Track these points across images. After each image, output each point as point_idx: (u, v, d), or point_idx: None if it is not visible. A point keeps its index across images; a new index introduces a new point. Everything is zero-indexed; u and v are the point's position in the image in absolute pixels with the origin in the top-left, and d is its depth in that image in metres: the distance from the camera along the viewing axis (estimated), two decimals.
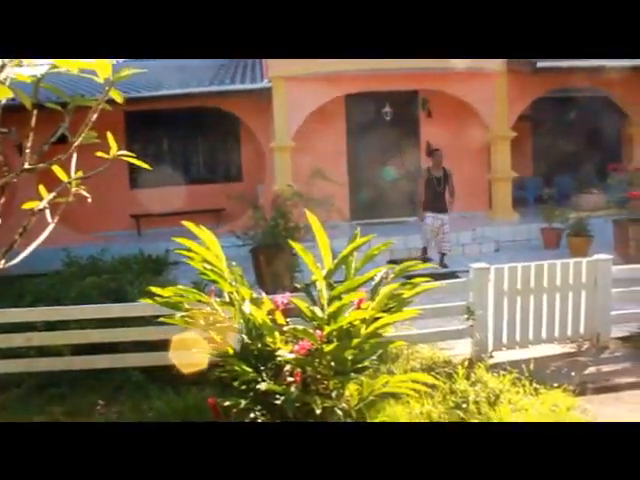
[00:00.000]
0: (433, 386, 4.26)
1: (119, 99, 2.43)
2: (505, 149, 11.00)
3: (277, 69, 9.98)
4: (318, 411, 3.03)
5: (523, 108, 11.19)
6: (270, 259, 6.94)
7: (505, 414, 4.01)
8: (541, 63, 10.02)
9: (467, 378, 4.48)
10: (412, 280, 3.60)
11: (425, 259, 8.63)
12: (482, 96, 10.73)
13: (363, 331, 3.25)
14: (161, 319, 3.65)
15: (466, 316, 5.14)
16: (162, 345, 4.72)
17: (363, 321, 3.27)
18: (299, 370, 3.31)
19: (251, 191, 10.92)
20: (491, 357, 5.20)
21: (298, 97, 10.07)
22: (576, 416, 4.05)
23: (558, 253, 8.73)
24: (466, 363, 4.78)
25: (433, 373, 4.53)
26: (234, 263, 3.73)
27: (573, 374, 4.87)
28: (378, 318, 3.27)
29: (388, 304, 3.45)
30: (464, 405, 4.12)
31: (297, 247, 3.75)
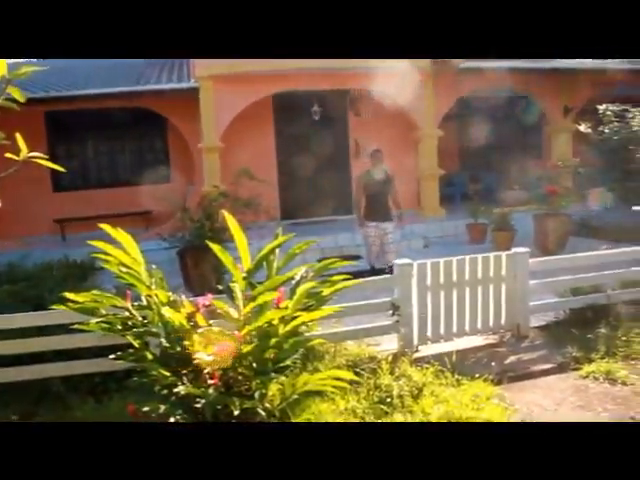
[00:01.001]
0: (358, 382, 4.33)
1: (20, 98, 2.33)
2: (432, 147, 11.26)
3: (203, 68, 9.85)
4: (236, 412, 3.01)
5: (449, 107, 11.47)
6: (196, 261, 6.85)
7: (427, 406, 4.10)
8: (465, 64, 10.29)
9: (392, 373, 4.55)
10: (332, 278, 3.64)
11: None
12: (409, 95, 10.91)
13: (282, 330, 3.25)
14: (76, 326, 3.54)
15: (391, 312, 5.22)
16: (84, 353, 4.60)
17: (282, 320, 3.26)
18: (218, 372, 3.28)
19: (180, 193, 10.75)
20: (417, 351, 5.30)
21: (225, 97, 9.98)
22: (495, 404, 4.18)
23: (483, 247, 8.97)
24: (391, 358, 4.84)
25: (358, 369, 4.60)
26: (154, 266, 3.66)
27: (494, 364, 5.02)
28: (297, 317, 3.27)
29: (308, 302, 3.46)
30: (388, 400, 4.18)
31: (215, 248, 3.69)
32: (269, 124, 11.42)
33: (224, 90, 9.96)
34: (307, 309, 3.37)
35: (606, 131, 9.23)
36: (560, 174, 9.56)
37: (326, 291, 3.46)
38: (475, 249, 8.11)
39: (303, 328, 5.11)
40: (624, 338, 5.30)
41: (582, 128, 10.01)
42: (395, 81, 10.42)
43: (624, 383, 4.59)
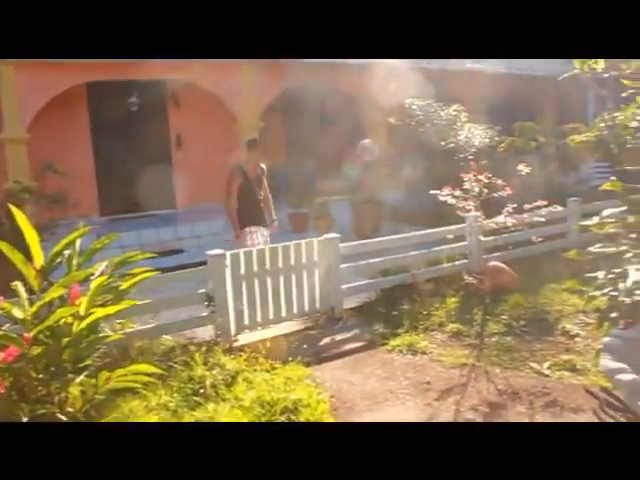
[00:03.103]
0: (170, 376, 4.27)
1: None
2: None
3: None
4: (25, 419, 2.83)
5: (272, 99, 11.62)
6: None
7: (241, 392, 4.15)
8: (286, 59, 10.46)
9: (205, 364, 4.54)
10: (133, 271, 3.54)
11: None
12: (230, 87, 10.90)
13: (76, 328, 3.10)
14: None
15: (206, 303, 5.20)
16: None
17: (76, 317, 3.11)
18: (7, 379, 3.05)
19: None
20: (235, 340, 5.34)
21: (30, 85, 9.23)
22: (306, 385, 4.33)
23: (306, 236, 9.21)
24: (205, 349, 4.82)
25: (171, 363, 4.53)
26: None
27: (307, 347, 5.22)
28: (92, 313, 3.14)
29: (105, 297, 3.34)
30: (202, 390, 4.17)
31: (2, 246, 3.43)
32: (84, 115, 10.80)
33: (28, 77, 9.19)
34: (105, 305, 3.25)
35: (412, 123, 9.94)
36: (374, 162, 10.11)
37: (124, 285, 3.36)
38: (298, 238, 8.29)
39: (118, 327, 4.99)
40: (425, 312, 5.77)
41: (393, 120, 10.67)
42: (215, 73, 10.36)
43: (424, 353, 5.00)
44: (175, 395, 4.11)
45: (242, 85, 10.96)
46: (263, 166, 6.65)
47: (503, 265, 6.51)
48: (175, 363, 4.48)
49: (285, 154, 13.92)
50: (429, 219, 8.45)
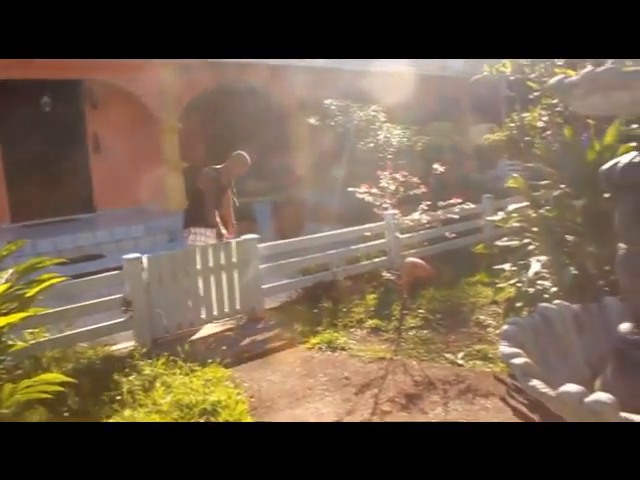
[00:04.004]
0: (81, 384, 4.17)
1: None
2: (173, 139, 11.19)
3: None
4: None
5: (191, 99, 11.47)
6: None
7: (159, 397, 4.09)
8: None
9: (123, 370, 4.46)
10: (41, 277, 3.45)
11: None
12: (149, 87, 10.69)
13: None
14: None
15: (123, 308, 5.11)
16: None
17: None
18: None
19: None
20: (156, 344, 5.26)
21: None
22: (225, 386, 4.32)
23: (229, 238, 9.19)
24: (125, 354, 4.74)
25: (88, 371, 4.43)
26: None
27: (226, 348, 5.20)
28: None
29: (10, 306, 3.23)
30: (118, 397, 4.09)
31: None
32: None
33: None
34: (8, 313, 3.15)
35: (332, 124, 10.07)
36: (295, 163, 10.19)
37: (30, 292, 3.26)
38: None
39: (29, 337, 4.82)
40: (345, 309, 5.87)
41: (313, 121, 10.77)
42: (135, 73, 10.14)
43: (343, 349, 5.09)
44: (89, 403, 4.01)
45: (162, 85, 10.77)
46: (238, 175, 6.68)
47: (420, 261, 6.71)
48: (91, 370, 4.38)
49: (204, 155, 13.78)
50: (350, 218, 8.58)
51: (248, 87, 12.39)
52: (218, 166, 6.49)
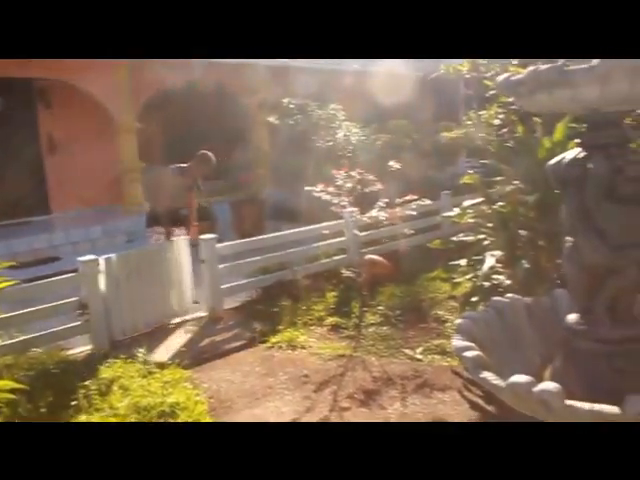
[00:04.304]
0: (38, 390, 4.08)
1: None
2: (131, 139, 11.00)
3: None
4: None
5: (147, 98, 11.30)
6: None
7: (116, 400, 4.04)
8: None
9: (79, 374, 4.39)
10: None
11: None
12: (105, 86, 10.49)
13: None
14: None
15: (79, 311, 5.01)
16: None
17: None
18: None
19: None
20: (114, 347, 5.18)
21: None
22: (184, 387, 4.29)
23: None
24: (79, 359, 4.66)
25: (42, 376, 4.33)
26: None
27: (187, 349, 5.16)
28: None
29: None
30: (73, 403, 4.02)
31: None
32: None
33: None
34: None
35: (291, 122, 10.06)
36: (255, 162, 10.15)
37: None
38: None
39: None
40: (305, 308, 5.88)
41: (272, 119, 10.74)
42: (89, 71, 9.93)
43: (303, 347, 5.10)
44: (43, 410, 3.93)
45: (118, 84, 10.59)
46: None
47: (380, 258, 6.76)
48: (45, 376, 4.28)
49: (164, 155, 13.62)
50: (310, 216, 8.59)
51: (208, 86, 12.27)
52: (183, 165, 6.44)
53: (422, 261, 7.11)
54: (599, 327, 2.54)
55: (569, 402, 2.05)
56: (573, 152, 2.53)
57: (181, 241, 5.83)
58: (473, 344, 2.59)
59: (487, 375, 2.35)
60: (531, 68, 2.33)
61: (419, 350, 4.92)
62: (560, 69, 2.20)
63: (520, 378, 2.17)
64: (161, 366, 4.65)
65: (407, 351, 4.92)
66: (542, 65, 2.28)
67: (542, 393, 2.09)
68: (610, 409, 2.00)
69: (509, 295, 3.31)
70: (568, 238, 2.61)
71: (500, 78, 2.55)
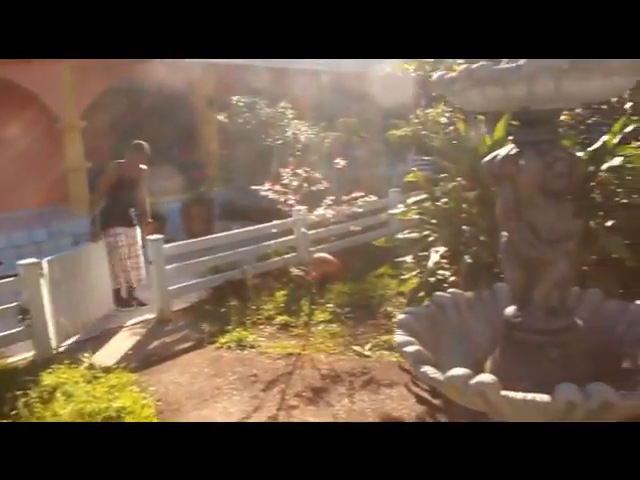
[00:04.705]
0: None
1: None
2: (76, 139, 10.74)
3: None
4: None
5: (94, 96, 11.04)
6: None
7: (59, 407, 3.94)
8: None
9: (20, 382, 4.26)
10: None
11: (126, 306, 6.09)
12: (47, 84, 10.20)
13: None
14: None
15: (20, 316, 4.87)
16: None
17: None
18: None
19: None
20: (59, 352, 5.05)
21: None
22: (131, 391, 4.21)
23: None
24: (20, 366, 4.52)
25: None
26: None
27: (134, 352, 5.08)
28: None
29: None
30: (13, 412, 3.89)
31: None
32: None
33: None
34: None
35: (240, 121, 10.00)
36: (204, 161, 10.05)
37: None
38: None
39: None
40: (254, 307, 5.86)
41: (221, 118, 10.65)
42: (30, 69, 9.64)
43: (252, 347, 5.09)
44: None
45: (62, 82, 10.31)
46: (144, 167, 6.37)
47: (328, 256, 6.79)
48: None
49: (111, 154, 13.34)
50: (260, 215, 8.57)
51: (157, 84, 12.07)
52: (121, 160, 6.30)
53: (370, 258, 7.17)
54: (534, 319, 2.61)
55: (504, 393, 2.11)
56: (506, 149, 2.59)
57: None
58: (414, 339, 2.63)
59: (427, 369, 2.39)
60: (464, 66, 2.38)
61: (368, 346, 4.96)
62: (491, 67, 2.25)
63: (458, 371, 2.22)
64: (107, 370, 4.56)
65: (356, 348, 4.96)
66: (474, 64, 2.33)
67: (479, 385, 2.14)
68: (542, 398, 2.06)
69: (451, 290, 3.38)
70: (503, 233, 2.68)
71: (435, 75, 2.60)
